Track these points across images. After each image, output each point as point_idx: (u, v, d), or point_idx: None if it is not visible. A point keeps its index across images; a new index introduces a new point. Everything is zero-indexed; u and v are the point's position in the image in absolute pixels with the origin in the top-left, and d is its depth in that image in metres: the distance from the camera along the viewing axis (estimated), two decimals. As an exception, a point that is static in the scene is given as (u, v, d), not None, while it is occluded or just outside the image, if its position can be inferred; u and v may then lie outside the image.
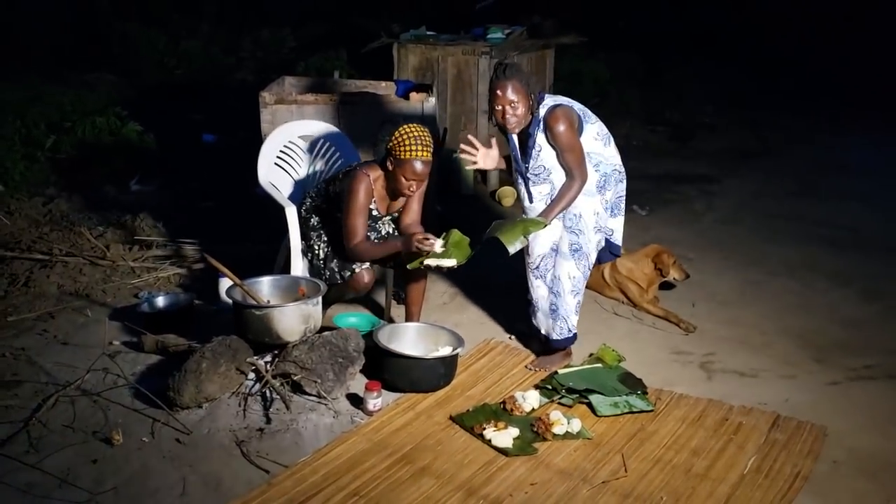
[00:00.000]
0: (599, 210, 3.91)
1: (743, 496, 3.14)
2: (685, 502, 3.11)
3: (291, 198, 4.48)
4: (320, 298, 3.84)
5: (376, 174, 3.95)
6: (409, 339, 4.03)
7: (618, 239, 4.08)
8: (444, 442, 3.45)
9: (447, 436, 3.49)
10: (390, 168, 3.86)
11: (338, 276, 4.04)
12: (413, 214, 4.09)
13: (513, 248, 3.73)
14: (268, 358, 3.75)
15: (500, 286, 4.78)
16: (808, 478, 3.25)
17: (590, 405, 3.72)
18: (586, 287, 4.15)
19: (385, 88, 5.82)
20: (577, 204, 3.85)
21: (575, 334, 4.10)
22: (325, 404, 3.60)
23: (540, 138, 3.79)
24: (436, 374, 3.83)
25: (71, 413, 3.54)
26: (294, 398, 3.60)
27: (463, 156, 3.95)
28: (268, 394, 3.61)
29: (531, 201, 3.94)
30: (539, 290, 4.08)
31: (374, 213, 4.03)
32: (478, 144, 3.92)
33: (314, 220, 4.20)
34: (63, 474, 3.14)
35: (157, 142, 7.06)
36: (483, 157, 3.93)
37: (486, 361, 4.15)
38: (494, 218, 4.17)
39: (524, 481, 3.20)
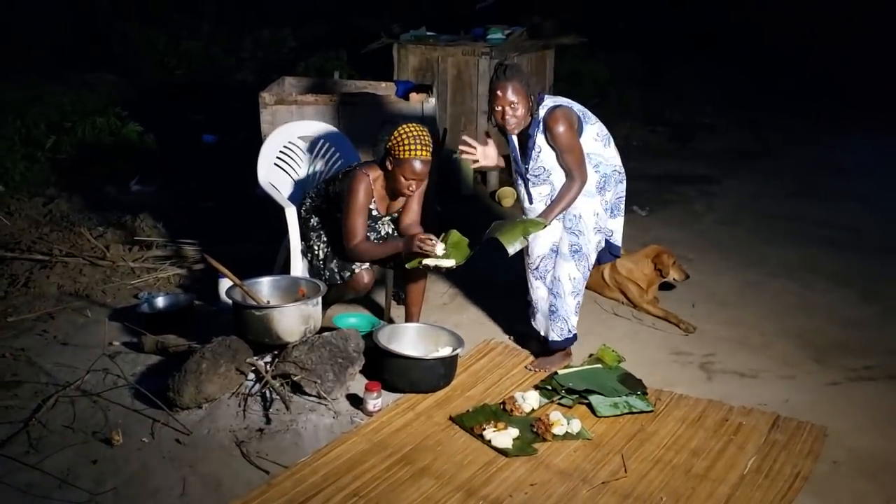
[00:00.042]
0: (599, 211, 3.91)
1: (743, 496, 3.14)
2: (685, 503, 3.11)
3: (291, 198, 4.48)
4: (320, 299, 3.84)
5: (376, 174, 3.95)
6: (408, 340, 4.03)
7: (617, 240, 4.09)
8: (443, 442, 3.45)
9: (447, 436, 3.50)
10: (390, 168, 3.86)
11: (337, 277, 4.04)
12: (413, 215, 4.09)
13: (512, 249, 3.73)
14: (268, 358, 3.75)
15: (499, 286, 4.78)
16: (807, 478, 3.26)
17: (590, 406, 3.72)
18: (586, 288, 4.15)
19: (385, 89, 5.82)
20: (576, 205, 3.85)
21: (575, 335, 4.10)
22: (325, 405, 3.60)
23: (540, 139, 3.79)
24: (435, 374, 3.84)
25: (71, 413, 3.54)
26: (294, 399, 3.60)
27: (463, 156, 3.96)
28: (268, 394, 3.61)
29: (531, 202, 3.94)
30: (539, 291, 4.08)
31: (374, 213, 4.03)
32: (474, 143, 3.93)
33: (314, 221, 4.20)
34: (63, 475, 3.14)
35: (158, 142, 7.05)
36: (482, 155, 3.94)
37: (485, 362, 4.16)
38: (494, 218, 4.17)
39: (524, 482, 3.20)
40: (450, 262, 3.82)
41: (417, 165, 3.80)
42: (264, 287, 3.96)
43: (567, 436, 3.48)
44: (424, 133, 3.84)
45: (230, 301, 3.85)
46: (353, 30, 9.28)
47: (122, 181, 6.66)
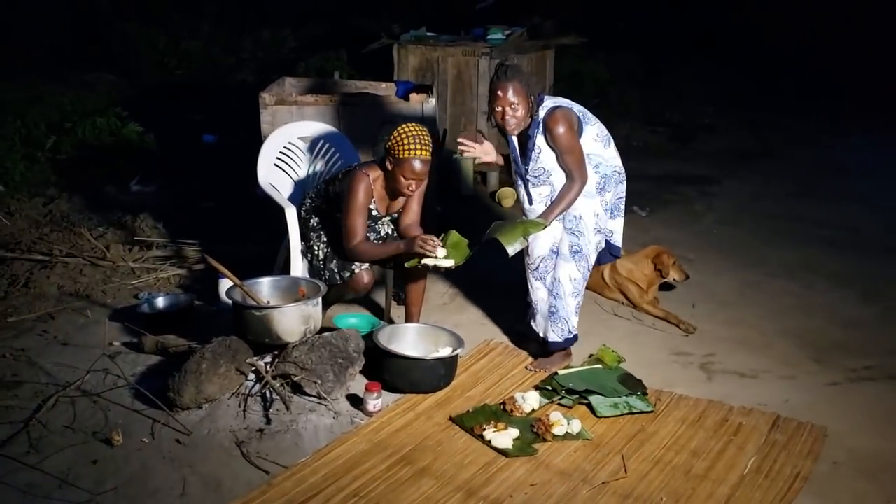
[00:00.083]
0: (599, 211, 3.91)
1: (743, 497, 3.14)
2: (685, 503, 3.11)
3: (291, 198, 4.49)
4: (320, 299, 3.84)
5: (376, 174, 3.96)
6: (409, 340, 4.03)
7: (618, 240, 4.09)
8: (443, 443, 3.45)
9: (447, 437, 3.50)
10: (389, 167, 3.86)
11: (337, 277, 4.04)
12: (413, 215, 4.09)
13: (512, 250, 3.73)
14: (268, 359, 3.75)
15: (500, 287, 4.78)
16: (807, 478, 3.26)
17: (590, 406, 3.72)
18: (586, 288, 4.15)
19: (385, 89, 5.82)
20: (577, 205, 3.85)
21: (576, 335, 4.10)
22: (325, 405, 3.60)
23: (539, 140, 3.80)
24: (436, 374, 3.84)
25: (71, 414, 3.54)
26: (294, 399, 3.60)
27: (465, 154, 3.99)
28: (268, 394, 3.61)
29: (531, 203, 3.95)
30: (538, 292, 4.08)
31: (374, 213, 4.03)
32: (470, 142, 3.98)
33: (314, 221, 4.20)
34: (63, 475, 3.14)
35: (158, 142, 7.06)
36: (481, 151, 4.00)
37: (486, 362, 4.16)
38: (494, 219, 4.17)
39: (524, 482, 3.20)
40: (449, 263, 3.82)
41: (417, 165, 3.80)
42: (264, 287, 3.96)
43: (567, 436, 3.48)
44: (424, 133, 3.84)
45: (230, 301, 3.85)
46: (353, 30, 9.29)
47: (122, 181, 6.66)
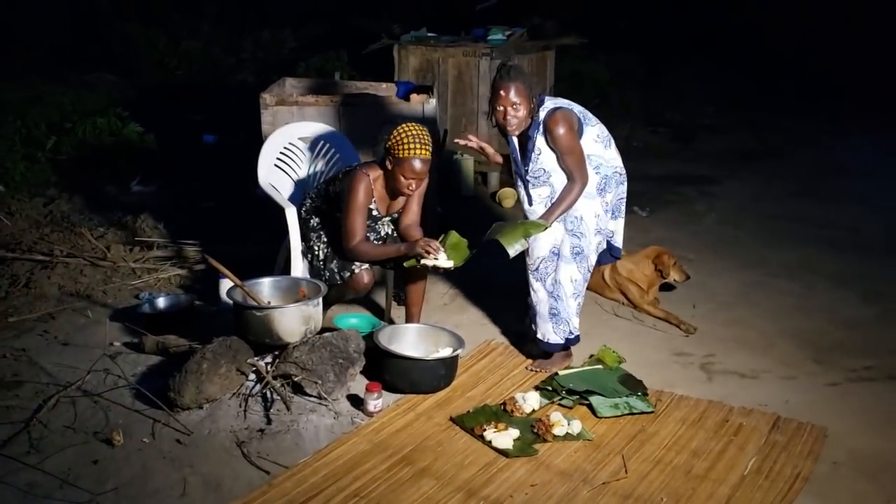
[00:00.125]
0: (600, 212, 3.91)
1: (743, 497, 3.14)
2: (685, 503, 3.11)
3: (292, 199, 4.49)
4: (321, 299, 3.85)
5: (376, 174, 3.96)
6: (409, 341, 4.03)
7: (618, 241, 4.09)
8: (444, 443, 3.45)
9: (447, 437, 3.50)
10: (389, 167, 3.87)
11: (337, 277, 4.04)
12: (413, 215, 4.09)
13: (513, 251, 3.73)
14: (268, 359, 3.75)
15: (500, 287, 4.78)
16: (808, 479, 3.26)
17: (590, 406, 3.72)
18: (587, 289, 4.15)
19: (386, 90, 5.82)
20: (577, 206, 3.85)
21: (577, 336, 4.10)
22: (326, 405, 3.60)
23: (539, 141, 3.80)
24: (436, 375, 3.84)
25: (72, 414, 3.54)
26: (294, 399, 3.60)
27: (468, 144, 4.06)
28: (268, 395, 3.62)
29: (531, 204, 3.95)
30: (538, 294, 4.07)
31: (374, 213, 4.04)
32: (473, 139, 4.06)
33: (314, 221, 4.20)
34: (64, 475, 3.14)
35: (158, 142, 7.05)
36: (483, 140, 4.09)
37: (486, 362, 4.16)
38: (495, 219, 4.17)
39: (524, 482, 3.20)
40: (448, 263, 3.83)
41: (417, 164, 3.80)
42: (265, 287, 3.96)
43: (567, 436, 3.48)
44: (424, 132, 3.84)
45: (231, 301, 3.85)
46: (354, 30, 9.29)
47: (122, 181, 6.66)
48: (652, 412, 3.71)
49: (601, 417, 3.65)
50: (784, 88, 11.02)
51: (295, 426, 3.47)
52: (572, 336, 4.07)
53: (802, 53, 11.58)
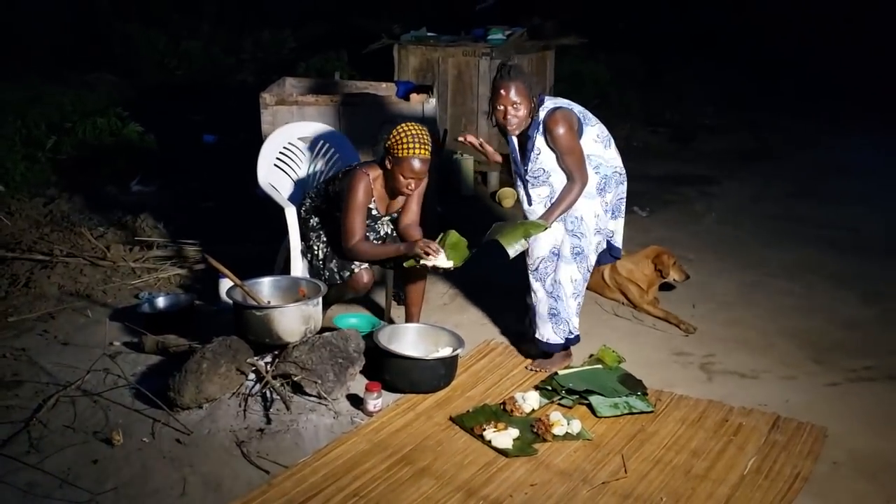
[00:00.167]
0: (600, 212, 3.91)
1: (743, 497, 3.14)
2: (685, 503, 3.11)
3: (291, 198, 4.49)
4: (320, 299, 3.85)
5: (376, 174, 3.96)
6: (409, 340, 4.03)
7: (618, 241, 4.09)
8: (444, 443, 3.45)
9: (447, 437, 3.50)
10: (389, 167, 3.87)
11: (337, 277, 4.04)
12: (412, 215, 4.09)
13: (513, 251, 3.73)
14: (268, 358, 3.75)
15: (500, 287, 4.78)
16: (807, 479, 3.26)
17: (590, 406, 3.72)
18: (587, 288, 4.15)
19: (385, 90, 5.82)
20: (578, 207, 3.85)
21: (577, 335, 4.10)
22: (326, 405, 3.60)
23: (539, 141, 3.80)
24: (436, 374, 3.84)
25: (71, 413, 3.55)
26: (294, 399, 3.60)
27: (468, 143, 4.06)
28: (268, 394, 3.62)
29: (530, 203, 3.95)
30: (538, 294, 4.07)
31: (374, 212, 4.04)
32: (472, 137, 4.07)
33: (314, 221, 4.20)
34: (63, 474, 3.14)
35: (158, 142, 7.06)
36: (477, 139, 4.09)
37: (486, 362, 4.16)
38: (495, 219, 4.18)
39: (524, 482, 3.20)
40: (448, 264, 3.83)
41: (416, 164, 3.80)
42: (265, 287, 3.96)
43: (567, 436, 3.48)
44: (423, 132, 3.84)
45: (231, 301, 3.85)
46: (354, 30, 9.29)
47: (122, 181, 6.66)
48: (651, 412, 3.71)
49: (601, 417, 3.65)
50: (784, 88, 11.02)
51: (294, 426, 3.47)
52: (572, 336, 4.07)
53: (802, 53, 11.58)
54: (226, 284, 4.17)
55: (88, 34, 9.82)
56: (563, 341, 4.06)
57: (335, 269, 4.04)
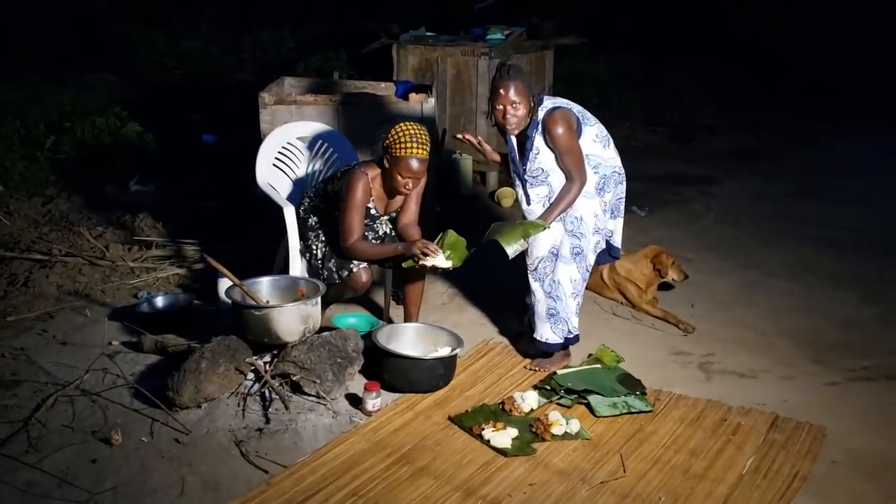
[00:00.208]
0: (598, 212, 3.91)
1: (741, 496, 3.14)
2: (684, 502, 3.11)
3: (290, 198, 4.49)
4: (319, 299, 3.85)
5: (374, 173, 3.96)
6: (408, 340, 4.03)
7: (617, 241, 4.09)
8: (442, 442, 3.45)
9: (446, 436, 3.50)
10: (387, 166, 3.87)
11: (336, 276, 4.04)
12: (410, 215, 4.09)
13: (512, 251, 3.73)
14: (267, 358, 3.75)
15: (499, 287, 4.78)
16: (806, 478, 3.26)
17: (588, 406, 3.72)
18: (585, 288, 4.15)
19: (384, 89, 5.82)
20: (577, 206, 3.85)
21: (577, 335, 4.10)
22: (324, 404, 3.60)
23: (538, 141, 3.80)
24: (435, 374, 3.84)
25: (70, 413, 3.55)
26: (293, 398, 3.60)
27: (467, 140, 4.07)
28: (267, 394, 3.62)
29: (528, 203, 3.95)
30: (537, 294, 4.07)
31: (373, 212, 4.04)
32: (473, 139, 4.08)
33: (312, 221, 4.20)
34: (62, 474, 3.14)
35: (157, 142, 7.06)
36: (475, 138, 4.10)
37: (485, 362, 4.16)
38: (494, 219, 4.18)
39: (523, 482, 3.20)
40: (447, 264, 3.83)
41: (414, 163, 3.80)
42: (263, 287, 3.96)
43: (566, 436, 3.48)
44: (422, 131, 3.84)
45: (229, 301, 3.85)
46: (353, 30, 9.29)
47: (121, 181, 6.66)
48: (650, 411, 3.71)
49: (599, 416, 3.65)
50: (784, 88, 11.03)
51: (293, 425, 3.47)
52: (571, 336, 4.07)
53: (802, 54, 11.58)
54: (225, 284, 4.16)
55: (88, 34, 9.82)
56: (561, 341, 4.06)
57: (334, 269, 4.04)
